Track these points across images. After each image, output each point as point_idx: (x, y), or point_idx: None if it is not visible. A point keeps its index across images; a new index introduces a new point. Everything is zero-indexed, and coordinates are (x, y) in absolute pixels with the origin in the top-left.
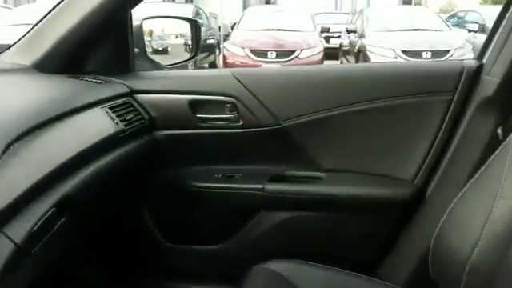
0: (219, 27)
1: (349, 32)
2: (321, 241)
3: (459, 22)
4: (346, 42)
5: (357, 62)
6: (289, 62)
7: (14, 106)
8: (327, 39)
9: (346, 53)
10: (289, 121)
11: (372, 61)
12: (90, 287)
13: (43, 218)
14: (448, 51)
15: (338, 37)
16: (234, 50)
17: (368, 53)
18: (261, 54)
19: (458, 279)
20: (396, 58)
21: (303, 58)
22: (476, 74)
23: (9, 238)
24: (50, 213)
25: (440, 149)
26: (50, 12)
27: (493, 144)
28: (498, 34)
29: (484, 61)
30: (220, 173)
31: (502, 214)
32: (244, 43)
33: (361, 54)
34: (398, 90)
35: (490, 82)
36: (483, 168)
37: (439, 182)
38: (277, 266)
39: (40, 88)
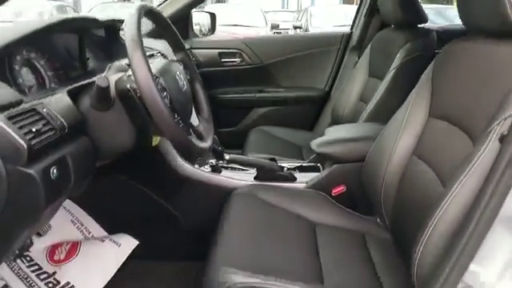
0: None
1: (295, 28)
2: (281, 116)
3: None
4: None
5: None
6: None
7: None
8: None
9: None
10: (266, 61)
11: None
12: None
13: None
14: None
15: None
16: None
17: None
18: None
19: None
20: None
21: None
22: (349, 36)
23: None
24: None
25: (335, 71)
26: None
27: (355, 65)
28: (359, 13)
29: (353, 29)
30: (234, 89)
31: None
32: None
33: None
34: (316, 45)
35: (354, 38)
36: (348, 78)
37: (335, 87)
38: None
39: None
